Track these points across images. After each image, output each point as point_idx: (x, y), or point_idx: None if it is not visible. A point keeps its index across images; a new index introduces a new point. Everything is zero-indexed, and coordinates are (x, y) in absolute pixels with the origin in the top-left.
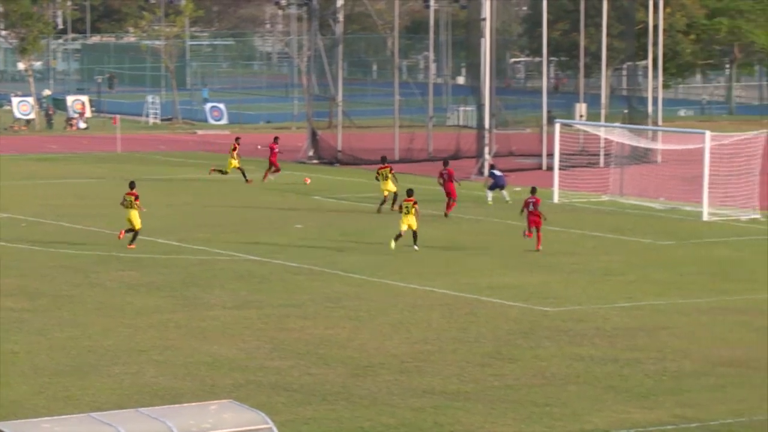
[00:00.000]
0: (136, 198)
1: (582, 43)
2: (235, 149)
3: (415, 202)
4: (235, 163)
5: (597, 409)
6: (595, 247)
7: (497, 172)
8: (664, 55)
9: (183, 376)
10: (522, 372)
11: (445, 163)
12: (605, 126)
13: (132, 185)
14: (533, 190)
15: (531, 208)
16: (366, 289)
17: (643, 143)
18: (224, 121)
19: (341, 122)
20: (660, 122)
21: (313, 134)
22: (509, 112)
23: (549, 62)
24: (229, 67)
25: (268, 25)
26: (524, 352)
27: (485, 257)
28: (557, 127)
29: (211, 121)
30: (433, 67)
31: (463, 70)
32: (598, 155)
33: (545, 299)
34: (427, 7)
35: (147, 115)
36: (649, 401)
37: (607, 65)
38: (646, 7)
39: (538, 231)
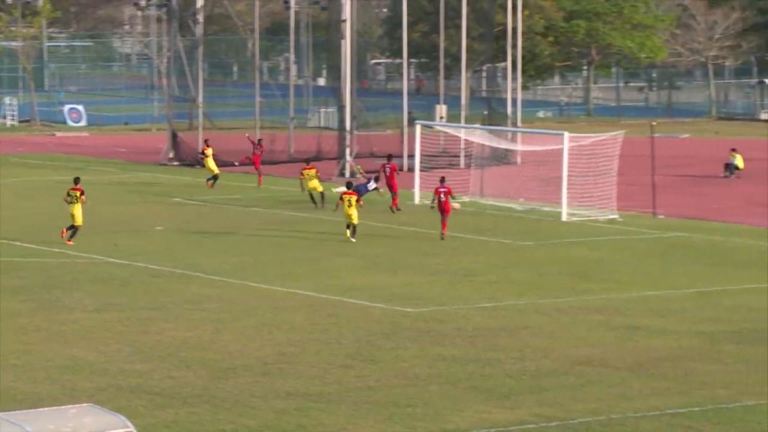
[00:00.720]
0: (82, 193)
1: (442, 45)
2: (204, 152)
3: (359, 197)
4: (213, 167)
5: (458, 409)
6: (456, 248)
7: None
8: (523, 57)
9: (42, 380)
10: (384, 373)
11: (389, 158)
12: (465, 127)
13: (76, 181)
14: (442, 180)
15: (443, 197)
16: (228, 291)
17: (502, 144)
18: (83, 123)
19: (202, 124)
20: (519, 123)
21: (174, 136)
22: (370, 113)
23: (409, 64)
24: (88, 68)
25: (127, 26)
26: (386, 353)
27: (348, 258)
28: (418, 128)
29: (70, 123)
30: (293, 68)
31: (324, 72)
32: (459, 156)
33: (407, 300)
34: (288, 8)
35: (4, 117)
36: (509, 401)
37: (466, 67)
38: (505, 9)
39: (444, 218)
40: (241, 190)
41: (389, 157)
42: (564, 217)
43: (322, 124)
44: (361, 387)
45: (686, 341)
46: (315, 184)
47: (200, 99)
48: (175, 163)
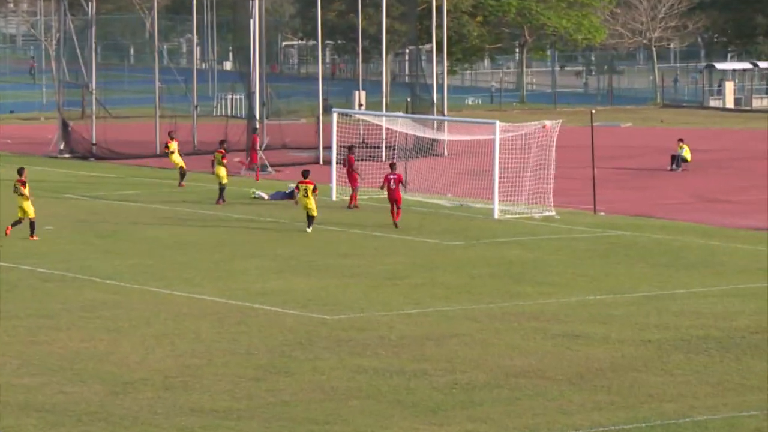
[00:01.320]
0: (23, 185)
1: (360, 26)
2: (167, 146)
3: (315, 187)
4: (178, 160)
5: (382, 425)
6: (378, 248)
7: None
8: (449, 38)
9: None
10: (299, 386)
11: (350, 150)
12: (387, 115)
13: (20, 171)
14: (392, 166)
15: (392, 185)
16: (126, 296)
17: (428, 134)
18: None
19: (96, 112)
20: (446, 111)
21: (65, 125)
22: (282, 100)
23: (324, 46)
24: None
25: (11, 5)
26: (301, 364)
27: (259, 259)
28: (334, 116)
29: None
30: (196, 50)
31: (231, 55)
32: (380, 148)
33: (323, 306)
34: None
35: None
36: (438, 416)
37: (387, 49)
38: None
39: (398, 207)
40: (141, 185)
41: (350, 147)
42: (496, 215)
43: (229, 112)
44: (275, 402)
45: (631, 350)
46: (222, 173)
47: (93, 85)
48: (67, 155)
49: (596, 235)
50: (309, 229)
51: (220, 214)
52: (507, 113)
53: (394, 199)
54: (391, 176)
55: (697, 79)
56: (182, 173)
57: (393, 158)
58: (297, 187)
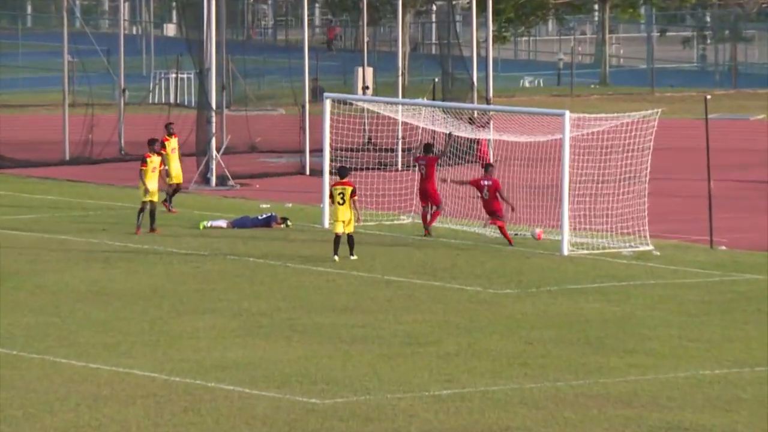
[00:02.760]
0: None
1: None
2: (163, 145)
3: (354, 190)
4: (176, 170)
5: None
6: (392, 300)
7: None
8: None
9: None
10: None
11: (426, 149)
12: (405, 103)
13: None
14: (487, 168)
15: (486, 194)
16: (22, 370)
17: (465, 131)
18: None
19: None
20: (491, 97)
21: None
22: (251, 81)
23: (313, 1)
24: None
25: None
26: None
27: (214, 316)
28: (327, 105)
29: None
30: (124, 7)
31: (174, 14)
32: (394, 151)
33: (311, 385)
34: None
35: None
36: None
37: (405, 6)
38: None
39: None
40: (43, 207)
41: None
42: (565, 250)
43: (172, 98)
44: None
45: None
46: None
47: None
48: None
49: (714, 280)
50: (353, 256)
51: (159, 248)
52: (582, 100)
53: (492, 211)
54: (485, 182)
55: None
56: (175, 190)
57: (412, 164)
58: (280, 220)
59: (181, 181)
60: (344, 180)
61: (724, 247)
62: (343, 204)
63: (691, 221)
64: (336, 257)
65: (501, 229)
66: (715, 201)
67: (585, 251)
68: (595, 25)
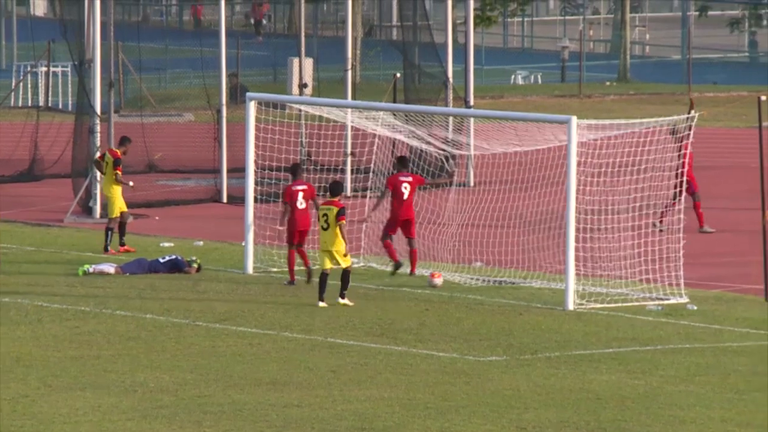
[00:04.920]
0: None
1: None
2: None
3: (341, 212)
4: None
5: None
6: (338, 370)
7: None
8: None
9: None
10: None
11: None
12: (355, 106)
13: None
14: (402, 161)
15: (405, 193)
16: None
17: (437, 144)
18: None
19: None
20: (472, 98)
21: None
22: (149, 77)
23: None
24: None
25: None
26: None
27: (93, 393)
28: (251, 109)
29: None
30: None
31: None
32: (344, 169)
33: None
34: None
35: None
36: None
37: None
38: None
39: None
40: None
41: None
42: (570, 304)
43: (42, 101)
44: None
45: None
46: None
47: None
48: None
49: None
50: (342, 300)
51: (23, 301)
52: (594, 101)
53: (405, 219)
54: (404, 179)
55: None
56: (122, 223)
57: (361, 187)
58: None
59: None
60: (333, 199)
61: None
62: (326, 229)
63: (739, 265)
64: (321, 303)
65: (389, 248)
66: None
67: (597, 305)
68: (612, 2)
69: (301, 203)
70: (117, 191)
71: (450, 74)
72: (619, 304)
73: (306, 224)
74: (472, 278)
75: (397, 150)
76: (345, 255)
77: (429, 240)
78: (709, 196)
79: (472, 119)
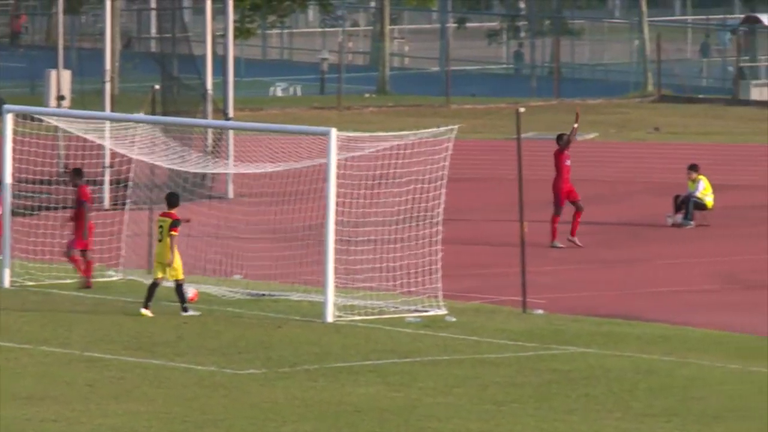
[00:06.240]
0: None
1: None
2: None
3: (175, 223)
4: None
5: None
6: (95, 385)
7: None
8: None
9: None
10: None
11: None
12: (112, 118)
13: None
14: None
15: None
16: None
17: (196, 158)
18: None
19: None
20: (231, 110)
21: None
22: None
23: None
24: None
25: None
26: None
27: None
28: (8, 121)
29: None
30: None
31: None
32: (101, 183)
33: None
34: None
35: None
36: None
37: None
38: None
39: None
40: None
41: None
42: (329, 316)
43: None
44: None
45: None
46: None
47: None
48: None
49: (527, 355)
50: (185, 313)
51: None
52: (354, 113)
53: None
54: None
55: (727, 47)
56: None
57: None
58: None
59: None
60: (170, 210)
61: (540, 311)
62: (161, 241)
63: (498, 276)
64: (144, 310)
65: (77, 263)
66: (530, 250)
67: (356, 317)
68: (372, 14)
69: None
70: None
71: (209, 86)
72: (378, 317)
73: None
74: (231, 291)
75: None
76: (173, 266)
77: (187, 253)
78: (468, 209)
79: (231, 131)
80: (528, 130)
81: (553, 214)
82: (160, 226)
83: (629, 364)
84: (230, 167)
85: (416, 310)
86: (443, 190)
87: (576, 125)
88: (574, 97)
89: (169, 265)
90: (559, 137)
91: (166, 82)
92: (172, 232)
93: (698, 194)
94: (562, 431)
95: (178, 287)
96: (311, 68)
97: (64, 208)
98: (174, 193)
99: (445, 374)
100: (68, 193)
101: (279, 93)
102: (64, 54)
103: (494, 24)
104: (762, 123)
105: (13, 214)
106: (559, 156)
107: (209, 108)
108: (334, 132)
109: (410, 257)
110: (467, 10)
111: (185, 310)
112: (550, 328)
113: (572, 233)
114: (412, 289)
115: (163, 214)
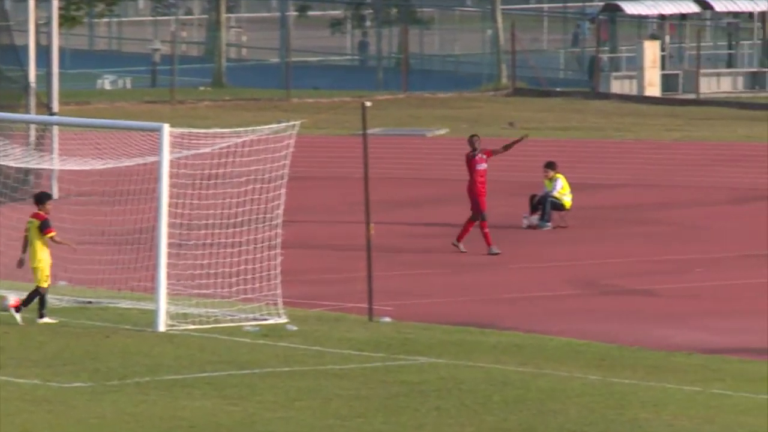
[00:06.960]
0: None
1: None
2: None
3: (45, 224)
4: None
5: None
6: None
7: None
8: None
9: None
10: None
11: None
12: None
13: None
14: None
15: None
16: None
17: (18, 155)
18: None
19: None
20: (56, 105)
21: None
22: None
23: None
24: None
25: None
26: None
27: None
28: None
29: None
30: None
31: None
32: None
33: None
34: None
35: None
36: None
37: None
38: None
39: None
40: None
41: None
42: (161, 325)
43: None
44: None
45: None
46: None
47: None
48: None
49: (374, 365)
50: (42, 320)
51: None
52: (188, 108)
53: None
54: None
55: (587, 36)
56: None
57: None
58: None
59: None
60: (38, 211)
61: (388, 319)
62: (31, 243)
63: (342, 282)
64: (43, 319)
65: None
66: (376, 253)
67: (190, 326)
68: (207, 2)
69: None
70: None
71: (32, 78)
72: (214, 325)
73: None
74: (56, 298)
75: None
76: (41, 270)
77: (8, 254)
78: (310, 209)
79: (56, 127)
80: (374, 125)
81: (480, 221)
82: (28, 229)
83: (483, 376)
84: (55, 164)
85: (255, 319)
86: (283, 190)
87: (516, 142)
88: (423, 90)
89: (40, 270)
90: (472, 139)
91: None
92: (47, 234)
93: (555, 194)
94: None
95: (35, 292)
96: (142, 59)
97: None
98: (43, 192)
99: (285, 387)
100: None
101: (107, 86)
102: None
103: (338, 12)
104: (623, 117)
105: None
106: (471, 161)
107: (32, 102)
108: (166, 128)
109: (248, 262)
110: None
111: (42, 316)
112: (398, 337)
113: (459, 238)
114: (250, 296)
115: (33, 215)
